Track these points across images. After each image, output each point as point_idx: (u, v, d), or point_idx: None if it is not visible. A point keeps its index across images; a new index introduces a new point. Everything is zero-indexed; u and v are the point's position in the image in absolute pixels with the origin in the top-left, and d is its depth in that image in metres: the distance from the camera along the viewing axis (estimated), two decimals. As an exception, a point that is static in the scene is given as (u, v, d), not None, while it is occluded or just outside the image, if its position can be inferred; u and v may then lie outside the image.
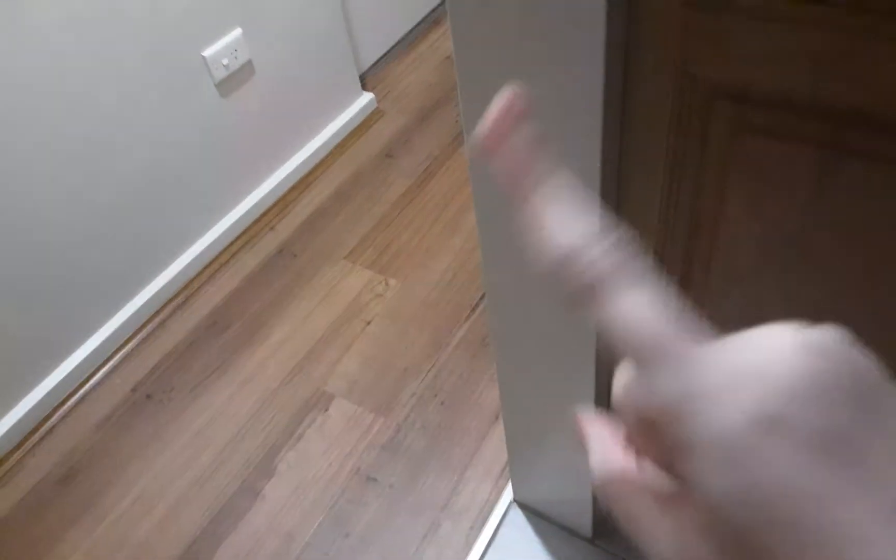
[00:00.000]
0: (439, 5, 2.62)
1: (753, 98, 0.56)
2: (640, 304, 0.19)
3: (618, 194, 0.70)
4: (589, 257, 0.19)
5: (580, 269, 0.19)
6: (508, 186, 0.20)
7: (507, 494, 1.33)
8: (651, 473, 0.21)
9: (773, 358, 0.17)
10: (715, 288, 0.73)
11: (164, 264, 1.83)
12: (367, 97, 2.29)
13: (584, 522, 1.23)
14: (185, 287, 1.87)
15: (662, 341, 0.18)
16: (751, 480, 0.16)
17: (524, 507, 1.32)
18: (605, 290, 0.19)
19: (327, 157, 2.17)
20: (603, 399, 0.99)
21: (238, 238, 1.97)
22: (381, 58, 2.49)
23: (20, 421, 1.59)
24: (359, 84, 2.27)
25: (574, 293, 0.19)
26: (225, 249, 1.94)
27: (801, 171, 0.58)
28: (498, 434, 1.45)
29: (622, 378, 0.20)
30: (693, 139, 0.61)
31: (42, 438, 1.61)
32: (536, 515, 1.30)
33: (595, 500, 1.17)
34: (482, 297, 1.70)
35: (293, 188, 2.09)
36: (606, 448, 0.23)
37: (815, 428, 0.16)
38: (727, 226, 0.66)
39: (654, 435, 0.19)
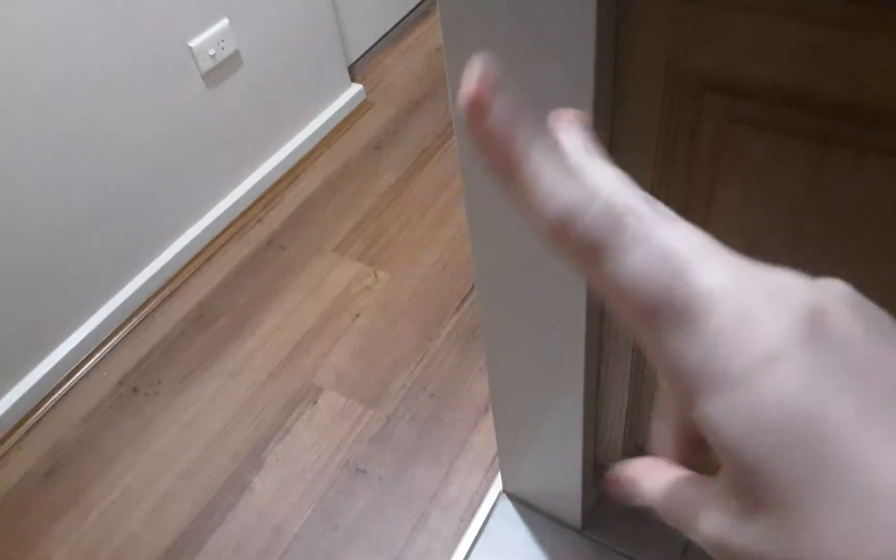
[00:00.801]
0: (428, -4, 2.61)
1: (744, 90, 0.56)
2: (647, 259, 0.18)
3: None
4: (589, 215, 0.18)
5: (580, 230, 0.18)
6: (496, 159, 0.19)
7: (497, 485, 1.34)
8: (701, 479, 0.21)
9: (778, 301, 0.18)
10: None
11: (150, 256, 1.82)
12: (355, 88, 2.27)
13: (574, 513, 1.23)
14: (173, 279, 1.85)
15: (673, 296, 0.18)
16: (757, 414, 0.17)
17: (514, 498, 1.32)
18: (608, 248, 0.18)
19: (315, 148, 2.16)
20: (592, 391, 1.00)
21: (226, 230, 1.96)
22: (370, 49, 2.47)
23: (5, 414, 1.57)
24: (347, 75, 2.25)
25: (576, 257, 0.18)
26: (212, 241, 1.93)
27: (793, 164, 0.58)
28: (487, 425, 1.45)
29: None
30: (683, 132, 0.61)
31: (28, 431, 1.60)
32: (526, 506, 1.31)
33: (584, 490, 1.18)
34: (472, 289, 1.70)
35: (281, 180, 2.08)
36: (660, 479, 0.23)
37: (822, 364, 0.17)
38: (718, 219, 0.66)
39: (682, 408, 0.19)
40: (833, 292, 0.19)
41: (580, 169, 0.20)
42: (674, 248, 0.18)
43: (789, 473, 0.17)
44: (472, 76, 0.18)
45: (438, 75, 2.35)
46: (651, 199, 0.20)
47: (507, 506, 1.32)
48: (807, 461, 0.16)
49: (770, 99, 0.56)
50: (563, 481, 1.18)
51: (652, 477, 0.23)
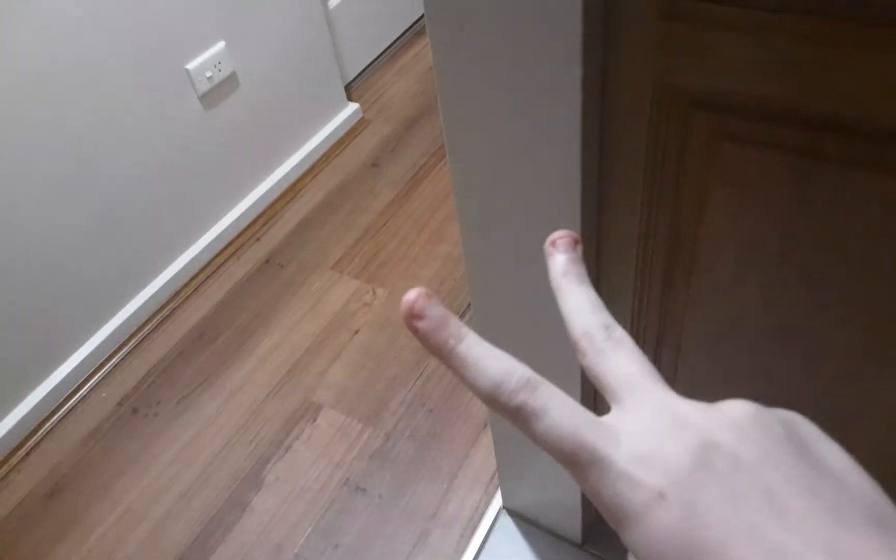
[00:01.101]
0: (423, 16, 2.63)
1: (732, 107, 0.56)
2: (556, 419, 0.22)
3: (598, 203, 0.71)
4: (509, 389, 0.22)
5: (504, 400, 0.22)
6: (434, 350, 0.24)
7: (497, 501, 1.33)
8: None
9: (668, 440, 0.21)
10: (696, 298, 0.74)
11: (150, 276, 1.82)
12: (352, 107, 2.29)
13: (574, 528, 1.23)
14: (172, 299, 1.86)
15: (577, 447, 0.21)
16: (655, 545, 0.20)
17: (514, 513, 1.32)
18: (528, 414, 0.22)
19: (313, 167, 2.17)
20: (589, 406, 1.00)
21: (224, 249, 1.97)
22: (366, 68, 2.49)
23: (5, 436, 1.57)
24: (344, 94, 2.27)
25: (507, 419, 0.22)
26: (211, 261, 1.94)
27: (781, 180, 0.59)
28: (486, 441, 1.46)
29: None
30: (672, 149, 0.62)
31: (28, 453, 1.60)
32: (526, 522, 1.31)
33: (584, 505, 1.18)
34: (469, 305, 1.71)
35: (279, 199, 2.09)
36: None
37: (703, 496, 0.19)
38: (708, 235, 0.67)
39: None
40: (727, 419, 0.21)
41: (557, 291, 0.26)
42: (581, 410, 0.22)
43: None
44: (409, 296, 0.23)
45: (434, 93, 2.36)
46: (610, 324, 0.25)
47: (507, 522, 1.32)
48: None
49: (757, 115, 0.56)
50: (563, 496, 1.18)
51: None
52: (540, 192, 0.70)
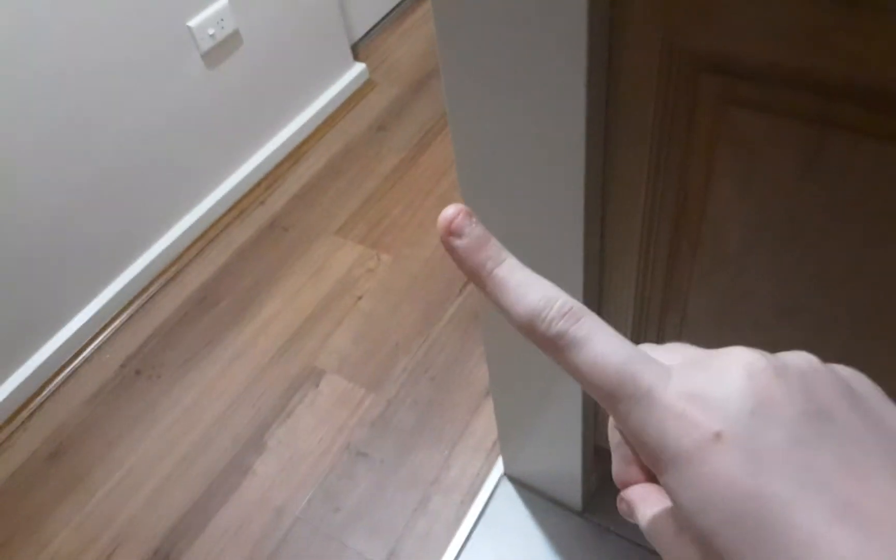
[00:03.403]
0: (432, -27, 2.57)
1: (741, 71, 0.54)
2: (600, 350, 0.21)
3: (604, 173, 0.69)
4: (549, 316, 0.21)
5: (543, 328, 0.21)
6: (470, 273, 0.23)
7: (498, 468, 1.33)
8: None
9: (725, 380, 0.20)
10: (701, 270, 0.71)
11: (152, 239, 1.81)
12: (358, 68, 2.25)
13: (575, 496, 1.23)
14: (175, 262, 1.85)
15: (623, 379, 0.20)
16: (707, 489, 0.18)
17: (514, 480, 1.32)
18: (569, 343, 0.21)
19: (318, 129, 2.14)
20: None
21: (228, 212, 1.95)
22: (373, 28, 2.45)
23: (9, 397, 1.58)
24: (350, 55, 2.23)
25: (544, 348, 0.21)
26: (214, 224, 1.92)
27: (790, 148, 0.56)
28: (488, 409, 1.45)
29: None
30: (680, 114, 0.59)
31: (31, 415, 1.61)
32: (527, 489, 1.31)
33: (585, 473, 1.17)
34: (474, 272, 1.69)
35: (283, 161, 2.07)
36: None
37: (766, 440, 0.18)
38: (715, 204, 0.64)
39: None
40: (790, 367, 0.20)
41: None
42: (627, 343, 0.21)
43: (737, 545, 0.18)
44: (448, 212, 0.22)
45: (442, 54, 2.32)
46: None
47: (507, 489, 1.31)
48: (751, 537, 0.18)
49: (767, 79, 0.54)
50: (564, 465, 1.18)
51: (644, 503, 0.24)
52: (543, 160, 0.68)
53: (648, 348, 0.23)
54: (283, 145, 2.06)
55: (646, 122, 0.61)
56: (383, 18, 2.47)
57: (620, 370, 0.20)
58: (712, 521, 0.18)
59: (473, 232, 0.22)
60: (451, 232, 0.22)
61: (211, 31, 1.74)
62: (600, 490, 1.26)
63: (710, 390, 0.19)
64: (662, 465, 0.20)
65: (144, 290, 1.80)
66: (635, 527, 0.24)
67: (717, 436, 0.18)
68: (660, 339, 0.83)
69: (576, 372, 0.21)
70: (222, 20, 1.76)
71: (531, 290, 0.22)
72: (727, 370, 0.20)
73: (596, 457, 1.18)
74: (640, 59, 0.58)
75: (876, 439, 0.19)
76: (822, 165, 0.55)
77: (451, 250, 0.22)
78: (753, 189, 0.60)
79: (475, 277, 0.22)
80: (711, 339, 0.78)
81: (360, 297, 1.70)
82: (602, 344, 0.20)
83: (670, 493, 0.19)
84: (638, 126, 0.62)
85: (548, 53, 0.59)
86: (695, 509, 0.19)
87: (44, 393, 1.64)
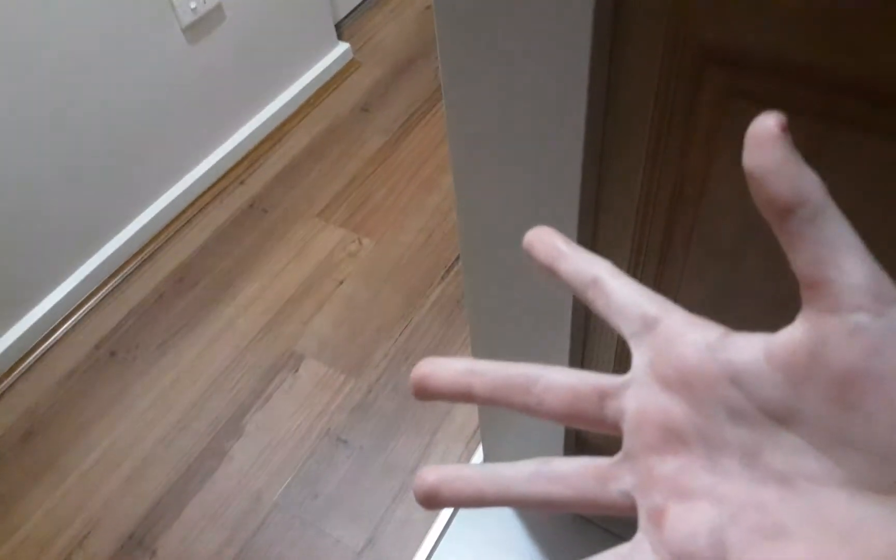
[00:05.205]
0: (419, -47, 2.53)
1: (747, 63, 0.53)
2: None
3: (601, 154, 0.67)
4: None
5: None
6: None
7: (478, 457, 1.32)
8: None
9: None
10: (693, 265, 0.71)
11: (128, 217, 1.77)
12: (342, 47, 2.21)
13: (555, 487, 1.22)
14: (151, 241, 1.81)
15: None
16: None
17: (495, 470, 1.31)
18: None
19: (300, 109, 2.11)
20: (576, 365, 0.98)
21: (206, 191, 1.91)
22: (358, 6, 2.41)
23: (-22, 376, 1.54)
24: (334, 33, 2.19)
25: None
26: (193, 203, 1.88)
27: (794, 142, 0.55)
28: (470, 397, 1.44)
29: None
30: (681, 104, 0.58)
31: (2, 395, 1.56)
32: (507, 479, 1.30)
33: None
34: (457, 259, 1.68)
35: (264, 141, 2.03)
36: None
37: None
38: (711, 197, 0.63)
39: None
40: None
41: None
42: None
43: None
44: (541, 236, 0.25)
45: (428, 36, 2.29)
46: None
47: (488, 478, 1.31)
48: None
49: (773, 73, 0.53)
50: (545, 454, 1.17)
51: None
52: (540, 140, 0.66)
53: None
54: (265, 124, 2.02)
55: (646, 110, 0.60)
56: (368, -2, 2.43)
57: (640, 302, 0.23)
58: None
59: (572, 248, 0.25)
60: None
61: (193, 5, 1.70)
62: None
63: None
64: (854, 305, 0.18)
65: (120, 269, 1.76)
66: (620, 519, 0.23)
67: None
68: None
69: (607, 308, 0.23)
70: (204, -6, 1.72)
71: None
72: None
73: (577, 448, 1.17)
74: (646, 45, 0.56)
75: None
76: (825, 162, 0.55)
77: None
78: (753, 183, 0.59)
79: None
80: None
81: (341, 282, 1.68)
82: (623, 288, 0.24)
83: (850, 335, 0.18)
84: (639, 113, 0.61)
85: (550, 29, 0.57)
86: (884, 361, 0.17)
87: (15, 372, 1.59)
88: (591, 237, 0.76)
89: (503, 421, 1.18)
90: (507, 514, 1.26)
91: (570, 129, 0.62)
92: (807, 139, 0.55)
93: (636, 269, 0.76)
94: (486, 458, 1.31)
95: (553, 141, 0.65)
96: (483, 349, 1.05)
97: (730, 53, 0.53)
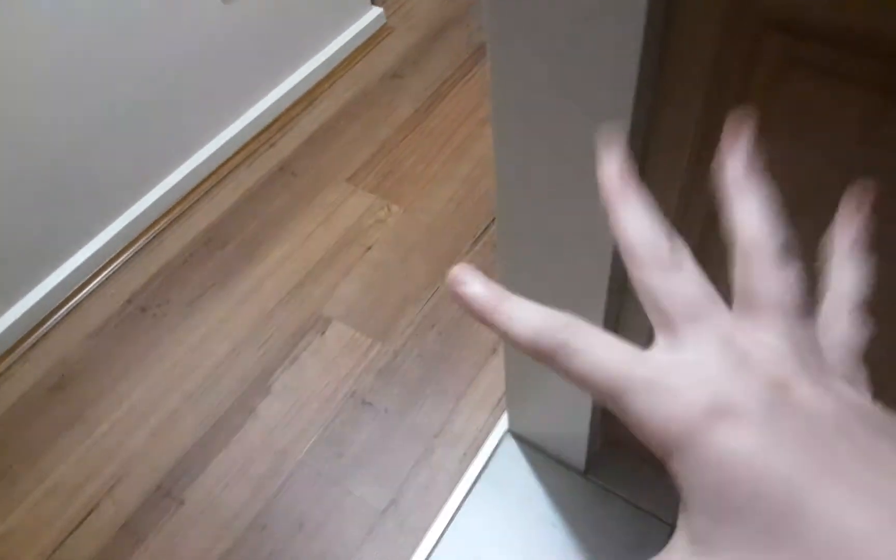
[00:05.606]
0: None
1: (808, 31, 0.52)
2: (600, 354, 0.21)
3: (647, 125, 0.67)
4: (555, 325, 0.22)
5: (546, 339, 0.22)
6: (478, 317, 0.24)
7: (502, 424, 1.33)
8: None
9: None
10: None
11: (160, 176, 1.78)
12: (375, 11, 2.20)
13: (578, 456, 1.23)
14: (182, 200, 1.82)
15: (627, 378, 0.20)
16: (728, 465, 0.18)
17: (518, 438, 1.32)
18: (568, 350, 0.22)
19: (332, 72, 2.10)
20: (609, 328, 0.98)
21: (237, 153, 1.92)
22: (391, -28, 2.38)
23: (12, 326, 1.57)
24: (367, -2, 2.18)
25: (546, 361, 0.22)
26: (223, 164, 1.89)
27: (849, 116, 0.55)
28: (494, 366, 1.45)
29: None
30: (737, 71, 0.57)
31: (33, 345, 1.59)
32: (530, 446, 1.31)
33: (591, 434, 1.17)
34: (486, 228, 1.67)
35: (296, 104, 2.03)
36: None
37: (787, 423, 0.18)
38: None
39: None
40: (803, 368, 0.19)
41: (610, 203, 0.24)
42: (624, 344, 0.21)
43: (757, 523, 0.17)
44: (453, 270, 0.24)
45: (462, 1, 2.27)
46: (674, 236, 0.23)
47: (511, 445, 1.32)
48: (772, 514, 0.17)
49: (833, 42, 0.52)
50: (571, 424, 1.18)
51: None
52: (588, 103, 0.66)
53: None
54: (296, 88, 2.02)
55: (700, 76, 0.59)
56: (401, -37, 2.41)
57: (617, 370, 0.20)
58: (732, 501, 0.17)
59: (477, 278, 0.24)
60: (458, 282, 0.23)
61: (228, -36, 1.69)
62: (603, 451, 1.27)
63: (726, 378, 0.19)
64: (669, 452, 0.19)
65: (151, 227, 1.77)
66: (637, 487, 0.24)
67: (726, 412, 0.18)
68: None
69: (578, 377, 0.21)
70: (240, -47, 1.71)
71: (534, 314, 0.22)
72: (737, 368, 0.19)
73: (604, 418, 1.18)
74: (702, 11, 0.55)
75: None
76: (881, 135, 0.54)
77: (459, 297, 0.24)
78: (806, 153, 0.58)
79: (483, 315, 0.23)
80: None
81: (369, 248, 1.68)
82: (600, 348, 0.21)
83: (680, 479, 0.19)
84: (692, 81, 0.60)
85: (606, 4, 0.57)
86: (707, 493, 0.18)
87: (47, 324, 1.62)
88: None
89: (531, 390, 1.19)
90: (531, 484, 1.27)
91: (622, 91, 0.61)
92: (863, 111, 0.54)
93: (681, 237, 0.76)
94: (511, 427, 1.32)
95: (600, 106, 0.64)
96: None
97: (789, 19, 0.53)
